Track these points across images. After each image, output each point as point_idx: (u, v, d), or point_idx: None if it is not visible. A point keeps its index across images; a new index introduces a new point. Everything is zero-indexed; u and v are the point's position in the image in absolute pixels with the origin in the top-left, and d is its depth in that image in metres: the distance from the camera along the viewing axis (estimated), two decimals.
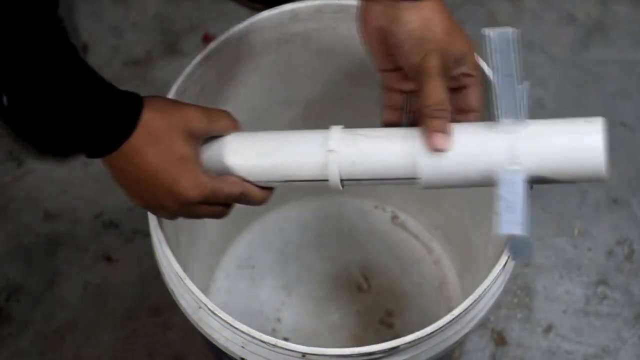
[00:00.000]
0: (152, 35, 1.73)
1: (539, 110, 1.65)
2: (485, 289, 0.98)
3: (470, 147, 0.93)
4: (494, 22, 1.74)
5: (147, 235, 1.52)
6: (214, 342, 1.02)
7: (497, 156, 0.92)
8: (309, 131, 0.99)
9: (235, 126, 1.00)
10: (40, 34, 0.85)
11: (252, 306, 1.42)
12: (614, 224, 1.57)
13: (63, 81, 0.87)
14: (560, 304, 1.50)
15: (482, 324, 1.45)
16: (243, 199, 0.99)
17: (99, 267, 1.52)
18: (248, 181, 0.99)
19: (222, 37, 1.11)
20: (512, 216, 0.89)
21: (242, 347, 0.99)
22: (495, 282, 1.00)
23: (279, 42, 1.15)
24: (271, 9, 1.11)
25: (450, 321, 0.96)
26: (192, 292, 0.98)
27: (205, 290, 1.02)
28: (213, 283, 1.43)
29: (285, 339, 1.35)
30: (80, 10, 1.74)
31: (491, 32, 0.90)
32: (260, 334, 0.95)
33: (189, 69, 1.09)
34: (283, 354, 0.96)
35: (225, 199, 0.98)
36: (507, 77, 0.91)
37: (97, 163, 1.62)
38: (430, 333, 0.95)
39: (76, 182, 1.59)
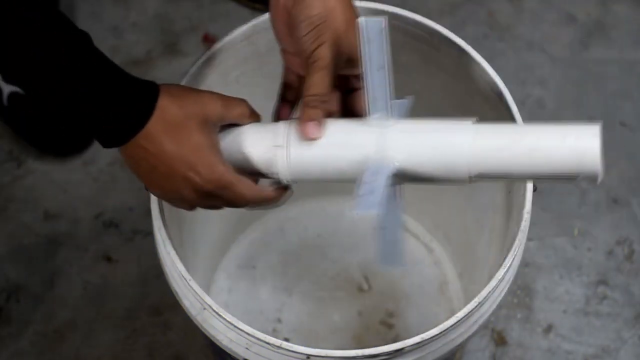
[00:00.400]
0: (152, 35, 1.73)
1: (539, 110, 1.65)
2: (489, 292, 0.98)
3: (339, 139, 0.95)
4: (494, 22, 1.74)
5: (147, 235, 1.53)
6: (217, 343, 1.01)
7: (365, 148, 0.94)
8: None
9: (251, 115, 0.98)
10: (52, 26, 0.85)
11: (252, 306, 1.42)
12: (614, 224, 1.57)
13: (79, 71, 0.86)
14: (560, 304, 1.50)
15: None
16: (257, 205, 0.97)
17: (99, 267, 1.52)
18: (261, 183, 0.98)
19: (226, 38, 1.11)
20: (370, 198, 0.90)
21: (246, 348, 0.99)
22: (499, 284, 1.00)
23: None
24: None
25: (455, 324, 0.96)
26: (197, 293, 0.98)
27: (205, 290, 1.03)
28: (214, 283, 1.43)
29: (286, 340, 1.35)
30: (80, 11, 1.74)
31: (364, 21, 0.91)
32: (265, 335, 0.95)
33: (193, 69, 1.09)
34: (287, 355, 0.96)
35: (238, 200, 0.96)
36: (379, 69, 0.92)
37: (97, 163, 1.63)
38: (435, 335, 0.95)
39: (76, 182, 1.59)
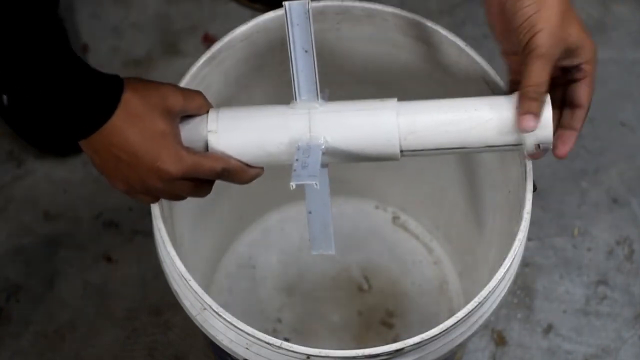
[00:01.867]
0: (152, 35, 1.72)
1: None
2: (489, 292, 0.98)
3: (267, 122, 0.98)
4: None
5: (147, 235, 1.53)
6: (217, 343, 1.01)
7: (294, 130, 0.97)
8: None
9: (208, 106, 1.01)
10: (18, 19, 0.86)
11: (252, 306, 1.42)
12: (614, 224, 1.57)
13: (44, 64, 0.88)
14: (560, 304, 1.50)
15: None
16: (226, 175, 0.99)
17: (99, 267, 1.52)
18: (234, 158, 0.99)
19: (226, 38, 1.11)
20: (305, 171, 0.93)
21: (247, 348, 0.99)
22: (499, 284, 1.00)
23: (283, 43, 1.15)
24: (276, 10, 1.11)
25: (455, 323, 0.96)
26: (197, 293, 0.98)
27: (205, 290, 1.03)
28: (214, 283, 1.43)
29: (286, 340, 1.35)
30: (80, 11, 1.74)
31: (288, 4, 0.94)
32: (265, 335, 0.95)
33: (193, 69, 1.09)
34: (287, 355, 0.96)
35: (208, 174, 0.97)
36: (305, 52, 0.96)
37: None
38: (435, 335, 0.95)
39: (76, 182, 1.59)
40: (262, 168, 1.01)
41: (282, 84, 1.21)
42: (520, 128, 0.95)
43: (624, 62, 1.72)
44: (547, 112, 0.95)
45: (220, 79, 1.14)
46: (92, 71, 0.91)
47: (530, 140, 0.96)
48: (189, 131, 0.99)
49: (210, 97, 1.14)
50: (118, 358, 1.45)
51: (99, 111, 0.91)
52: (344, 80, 1.24)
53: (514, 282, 1.06)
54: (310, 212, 0.97)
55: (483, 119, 0.96)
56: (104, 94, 0.91)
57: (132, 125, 0.92)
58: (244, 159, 0.99)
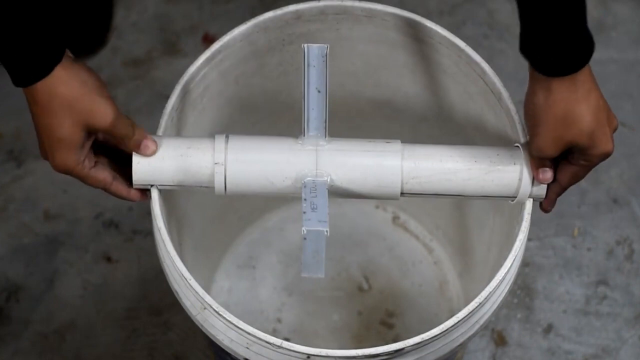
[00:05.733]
0: (152, 35, 1.72)
1: None
2: (490, 292, 0.98)
3: (275, 156, 1.01)
4: (493, 22, 1.74)
5: (147, 235, 1.53)
6: (218, 343, 1.01)
7: (300, 165, 1.01)
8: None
9: (136, 137, 1.01)
10: None
11: (252, 306, 1.42)
12: (614, 224, 1.57)
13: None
14: (560, 304, 1.50)
15: None
16: (110, 192, 1.03)
17: (99, 267, 1.52)
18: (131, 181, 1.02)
19: (225, 38, 1.11)
20: (316, 215, 0.97)
21: (247, 347, 0.99)
22: (500, 284, 1.00)
23: (283, 43, 1.15)
24: (275, 10, 1.11)
25: (456, 324, 0.96)
26: (197, 293, 0.98)
27: (205, 290, 1.03)
28: (214, 283, 1.43)
29: (286, 339, 1.35)
30: None
31: (308, 47, 0.98)
32: (265, 334, 0.95)
33: (192, 69, 1.09)
34: (288, 355, 0.96)
35: (92, 186, 1.02)
36: (318, 92, 0.99)
37: None
38: (435, 335, 0.95)
39: (76, 182, 1.57)
40: (144, 193, 1.04)
41: (281, 84, 1.21)
42: (539, 181, 1.01)
43: (624, 62, 1.72)
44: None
45: (219, 78, 1.14)
46: (42, 30, 0.92)
47: (525, 194, 1.02)
48: (196, 159, 1.01)
49: (210, 97, 1.14)
50: (118, 358, 1.45)
51: (26, 71, 0.93)
52: (344, 81, 1.25)
53: (514, 282, 1.06)
54: (305, 239, 0.98)
55: (482, 171, 1.01)
56: (41, 54, 0.93)
57: (41, 111, 0.95)
58: (250, 190, 1.02)
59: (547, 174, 1.00)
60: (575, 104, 0.94)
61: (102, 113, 0.97)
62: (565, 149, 0.97)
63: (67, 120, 0.95)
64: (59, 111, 0.95)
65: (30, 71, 0.93)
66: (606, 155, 0.98)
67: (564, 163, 1.00)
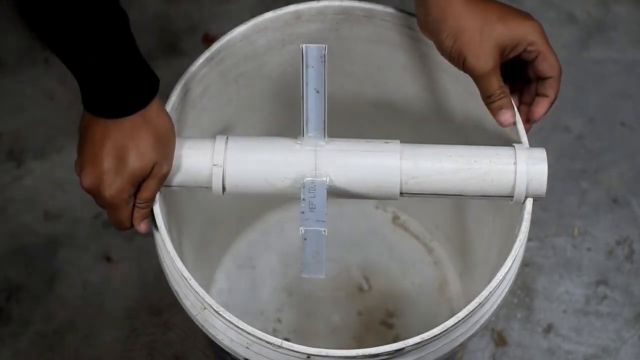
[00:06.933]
0: (152, 35, 1.73)
1: None
2: (490, 292, 0.98)
3: (274, 156, 1.02)
4: None
5: (147, 235, 1.52)
6: (218, 343, 1.01)
7: (299, 166, 1.01)
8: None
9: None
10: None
11: (252, 306, 1.42)
12: (614, 224, 1.57)
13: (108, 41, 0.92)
14: (560, 304, 1.50)
15: None
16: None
17: (99, 267, 1.52)
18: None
19: (225, 38, 1.11)
20: (314, 215, 0.98)
21: (247, 347, 0.99)
22: (500, 284, 1.00)
23: (283, 43, 1.15)
24: (275, 10, 1.11)
25: (456, 324, 0.96)
26: (197, 293, 0.98)
27: (205, 290, 1.03)
28: (213, 283, 1.43)
29: (286, 339, 1.35)
30: None
31: (306, 48, 0.98)
32: (265, 334, 0.95)
33: (192, 69, 1.09)
34: (288, 355, 0.96)
35: (115, 218, 1.02)
36: (316, 92, 0.99)
37: None
38: (436, 335, 0.95)
39: (76, 182, 1.57)
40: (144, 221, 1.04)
41: (281, 85, 1.21)
42: (501, 123, 1.03)
43: (624, 62, 1.72)
44: (543, 171, 1.01)
45: (219, 78, 1.14)
46: (143, 65, 0.96)
47: (525, 194, 1.02)
48: (195, 160, 1.02)
49: (209, 97, 1.15)
50: (118, 358, 1.45)
51: (127, 102, 0.95)
52: (343, 81, 1.25)
53: (514, 282, 1.06)
54: (305, 239, 0.98)
55: (481, 171, 1.02)
56: (138, 91, 0.95)
57: (129, 143, 0.96)
58: (248, 190, 1.03)
59: (507, 115, 1.02)
60: (481, 14, 1.01)
61: (169, 163, 1.00)
62: (496, 53, 1.00)
63: (149, 152, 0.96)
64: (145, 140, 0.96)
65: (134, 100, 0.95)
66: (542, 31, 1.03)
67: (533, 64, 1.04)
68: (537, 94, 1.06)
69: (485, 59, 1.00)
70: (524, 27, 1.02)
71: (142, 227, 1.02)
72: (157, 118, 0.97)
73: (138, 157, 0.96)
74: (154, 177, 0.99)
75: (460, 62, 1.02)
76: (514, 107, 1.03)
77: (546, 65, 1.03)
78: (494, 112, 1.02)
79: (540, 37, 1.02)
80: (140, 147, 0.96)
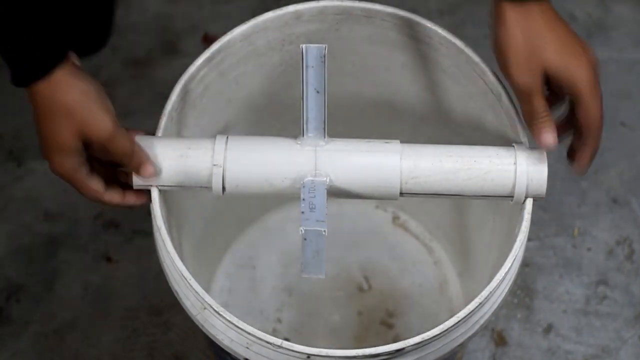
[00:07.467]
0: (152, 35, 1.73)
1: None
2: (490, 292, 0.98)
3: (274, 157, 1.02)
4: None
5: (147, 235, 1.52)
6: (218, 343, 1.01)
7: (299, 166, 1.01)
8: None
9: (142, 171, 1.01)
10: None
11: (252, 306, 1.42)
12: (614, 224, 1.57)
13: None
14: (560, 304, 1.50)
15: None
16: (104, 202, 1.05)
17: (99, 267, 1.52)
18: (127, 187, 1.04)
19: (225, 38, 1.11)
20: (314, 215, 0.98)
21: (247, 347, 0.99)
22: (500, 284, 1.00)
23: (282, 43, 1.15)
24: (275, 10, 1.11)
25: (456, 324, 0.96)
26: (197, 293, 0.98)
27: (205, 290, 1.03)
28: (214, 283, 1.43)
29: (286, 339, 1.35)
30: None
31: (306, 48, 0.98)
32: (265, 334, 0.95)
33: (192, 69, 1.09)
34: (288, 355, 0.96)
35: (86, 196, 1.03)
36: (316, 93, 1.00)
37: None
38: (436, 335, 0.95)
39: None
40: (141, 196, 1.05)
41: (281, 84, 1.21)
42: (542, 144, 1.00)
43: (624, 62, 1.72)
44: (543, 171, 1.02)
45: (219, 78, 1.14)
46: (42, 34, 0.93)
47: (525, 194, 1.02)
48: (195, 160, 1.02)
49: (209, 97, 1.15)
50: (118, 358, 1.45)
51: (30, 69, 0.93)
52: (344, 81, 1.25)
53: (514, 282, 1.06)
54: (305, 239, 0.98)
55: (481, 171, 1.02)
56: (42, 54, 0.93)
57: (43, 114, 0.95)
58: (248, 190, 1.03)
59: (549, 137, 1.00)
60: (535, 31, 0.98)
61: (100, 125, 0.96)
62: (541, 75, 0.98)
63: (65, 126, 0.95)
64: (57, 116, 0.95)
65: (29, 71, 0.93)
66: (592, 75, 1.00)
67: (569, 118, 1.02)
68: (579, 136, 1.03)
69: (528, 75, 0.98)
70: (575, 64, 0.99)
71: (147, 170, 1.01)
72: (67, 86, 0.94)
73: (54, 134, 0.96)
74: (96, 141, 0.97)
75: (503, 70, 1.00)
76: (555, 129, 1.00)
77: (585, 115, 1.00)
78: (535, 132, 1.00)
79: (588, 83, 0.99)
80: (55, 123, 0.95)
